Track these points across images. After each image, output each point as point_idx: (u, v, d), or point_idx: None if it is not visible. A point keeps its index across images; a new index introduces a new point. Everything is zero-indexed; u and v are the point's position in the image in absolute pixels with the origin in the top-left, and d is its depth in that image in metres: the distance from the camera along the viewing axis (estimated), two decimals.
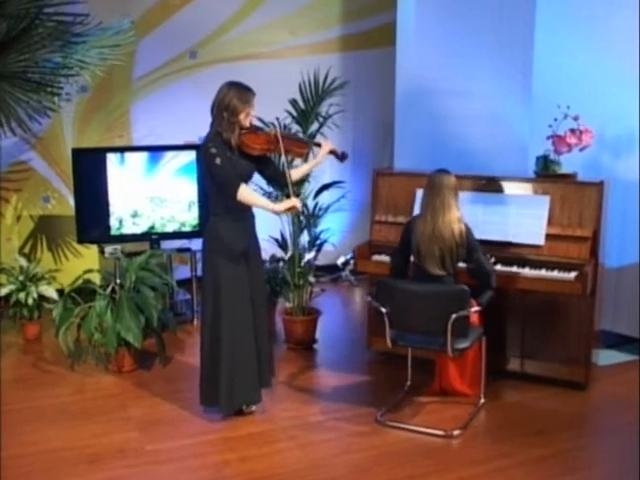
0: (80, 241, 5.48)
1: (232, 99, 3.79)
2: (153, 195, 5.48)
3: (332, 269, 6.92)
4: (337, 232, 6.44)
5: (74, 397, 4.35)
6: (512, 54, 5.20)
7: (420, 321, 3.77)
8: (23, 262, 5.26)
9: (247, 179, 3.96)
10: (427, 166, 5.59)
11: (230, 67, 6.32)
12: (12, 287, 5.09)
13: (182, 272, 6.06)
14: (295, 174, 4.13)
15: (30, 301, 5.07)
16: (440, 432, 3.83)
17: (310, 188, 5.07)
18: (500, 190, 4.50)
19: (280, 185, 4.25)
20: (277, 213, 3.95)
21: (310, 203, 5.05)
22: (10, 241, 5.96)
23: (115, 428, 3.95)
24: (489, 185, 4.53)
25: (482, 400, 4.17)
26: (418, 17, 5.80)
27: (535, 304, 4.41)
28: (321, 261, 6.29)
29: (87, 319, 4.50)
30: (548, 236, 4.28)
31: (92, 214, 5.36)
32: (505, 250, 4.35)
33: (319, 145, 4.19)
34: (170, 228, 5.50)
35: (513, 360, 4.51)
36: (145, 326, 4.50)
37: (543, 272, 4.19)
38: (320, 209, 5.01)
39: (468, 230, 3.98)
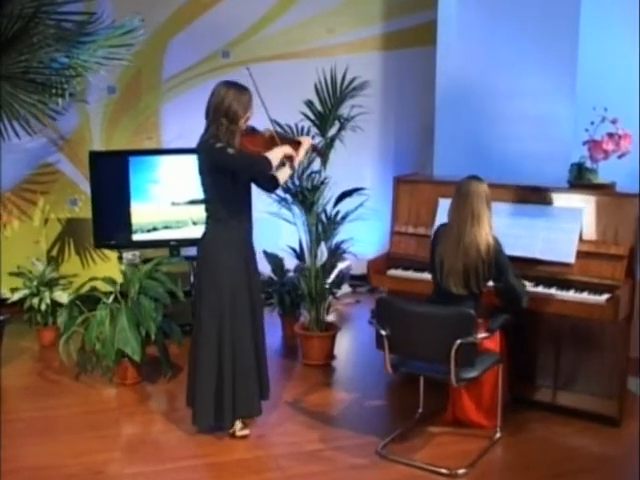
0: (97, 246, 5.36)
1: (232, 103, 3.53)
2: (175, 200, 5.29)
3: None
4: (374, 241, 6.13)
5: (70, 410, 4.18)
6: (557, 52, 4.79)
7: (421, 346, 3.41)
8: (40, 266, 5.16)
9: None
10: (466, 171, 5.23)
11: (264, 67, 6.05)
12: (26, 292, 4.99)
13: None
14: (282, 175, 3.85)
15: (43, 307, 4.97)
16: (444, 470, 3.45)
17: (330, 195, 4.77)
18: (529, 200, 4.07)
19: (269, 188, 3.98)
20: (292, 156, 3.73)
21: (329, 211, 4.75)
22: (38, 244, 5.91)
23: (101, 446, 3.75)
24: (517, 194, 4.11)
25: (498, 434, 3.76)
26: (460, 14, 5.44)
27: (568, 328, 3.96)
28: (359, 270, 5.99)
29: (89, 329, 4.33)
30: (579, 253, 3.83)
31: (110, 218, 5.22)
32: (531, 268, 3.92)
33: (299, 143, 3.86)
34: (190, 234, 5.29)
35: (543, 390, 4.08)
36: (146, 338, 4.31)
37: (571, 294, 3.75)
38: (333, 220, 4.67)
39: (498, 246, 3.58)
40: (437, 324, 3.34)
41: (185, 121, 5.94)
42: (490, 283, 3.69)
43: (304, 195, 4.53)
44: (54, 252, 5.94)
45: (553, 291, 3.79)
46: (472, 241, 3.52)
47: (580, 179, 4.00)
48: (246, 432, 3.80)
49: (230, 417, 3.69)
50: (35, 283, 5.00)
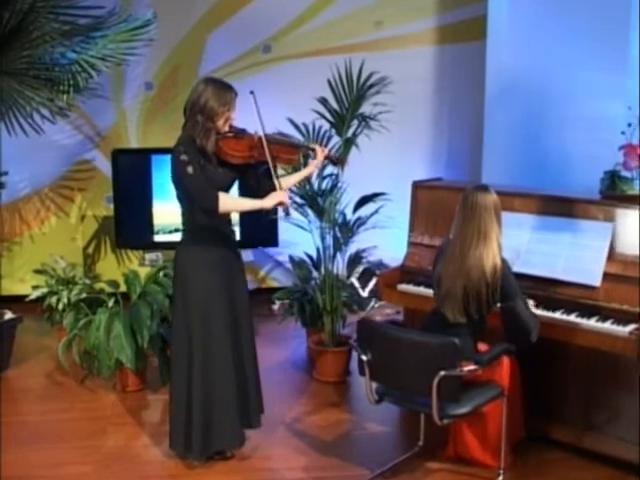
0: (119, 246, 5.25)
1: (208, 100, 3.23)
2: None
3: None
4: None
5: (62, 415, 4.08)
6: (610, 50, 4.36)
7: (403, 376, 3.03)
8: (62, 264, 5.09)
9: (226, 190, 3.42)
10: (517, 177, 4.81)
11: (308, 62, 5.82)
12: (44, 290, 4.93)
13: None
14: (283, 184, 3.47)
15: (60, 306, 4.88)
16: None
17: (348, 199, 4.44)
18: (555, 212, 3.59)
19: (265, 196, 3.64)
20: (267, 211, 3.35)
21: (345, 216, 4.43)
22: (74, 241, 5.89)
23: (77, 457, 3.61)
24: (542, 205, 3.64)
25: (500, 477, 3.32)
26: (511, 9, 5.00)
27: (598, 361, 3.41)
28: None
29: (88, 333, 4.20)
30: (606, 275, 3.33)
31: (132, 218, 5.10)
32: (550, 289, 3.45)
33: (313, 150, 3.55)
34: None
35: (565, 428, 3.57)
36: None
37: (592, 322, 3.25)
38: (349, 227, 4.34)
39: (505, 269, 3.12)
40: (419, 353, 2.95)
41: None
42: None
43: (314, 199, 4.21)
44: (90, 250, 5.90)
45: (572, 318, 3.30)
46: (476, 263, 3.07)
47: (613, 189, 3.49)
48: (228, 453, 3.54)
49: (199, 451, 3.39)
50: (54, 281, 4.93)
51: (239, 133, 3.38)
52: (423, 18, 5.83)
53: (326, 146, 4.33)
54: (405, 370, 3.00)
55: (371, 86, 4.19)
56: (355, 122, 4.23)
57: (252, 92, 3.36)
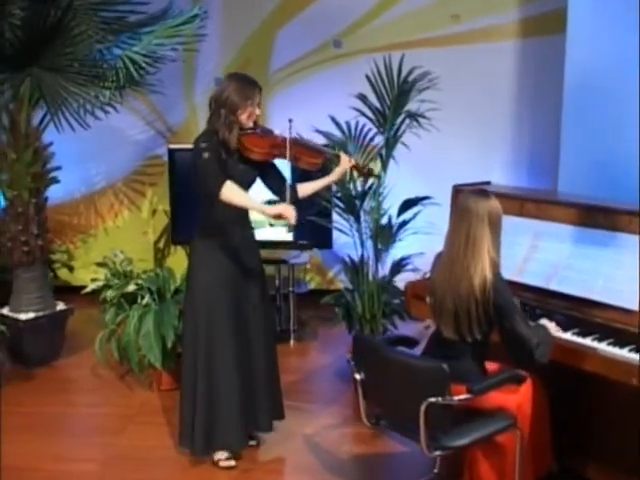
0: (174, 242, 5.25)
1: (231, 94, 3.25)
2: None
3: None
4: None
5: (94, 410, 4.15)
6: None
7: (392, 400, 2.79)
8: (120, 257, 5.15)
9: (246, 188, 3.35)
10: (595, 187, 4.37)
11: (380, 57, 5.54)
12: (99, 284, 5.01)
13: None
14: (303, 190, 3.43)
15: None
16: None
17: (390, 203, 4.19)
18: (597, 225, 3.18)
19: (283, 199, 3.53)
20: (267, 216, 3.23)
21: (390, 221, 4.18)
22: (146, 235, 5.98)
23: (88, 454, 3.61)
24: (583, 216, 3.23)
25: None
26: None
27: None
28: None
29: (125, 329, 4.21)
30: None
31: (187, 215, 5.07)
32: (584, 310, 3.05)
33: (338, 157, 3.42)
34: (267, 236, 4.96)
35: (606, 470, 3.15)
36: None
37: (624, 352, 2.83)
38: (390, 232, 4.08)
39: (498, 283, 2.76)
40: (406, 376, 2.69)
41: (293, 115, 5.63)
42: None
43: (350, 202, 4.00)
44: (160, 244, 5.97)
45: (602, 346, 2.89)
46: (464, 273, 2.77)
47: None
48: (230, 463, 3.42)
49: (201, 446, 3.34)
50: (108, 275, 5.00)
51: (265, 131, 3.39)
52: (502, 11, 5.41)
53: (367, 146, 4.13)
54: (394, 394, 2.75)
55: (414, 82, 3.89)
56: (404, 119, 3.96)
57: (291, 120, 3.29)
